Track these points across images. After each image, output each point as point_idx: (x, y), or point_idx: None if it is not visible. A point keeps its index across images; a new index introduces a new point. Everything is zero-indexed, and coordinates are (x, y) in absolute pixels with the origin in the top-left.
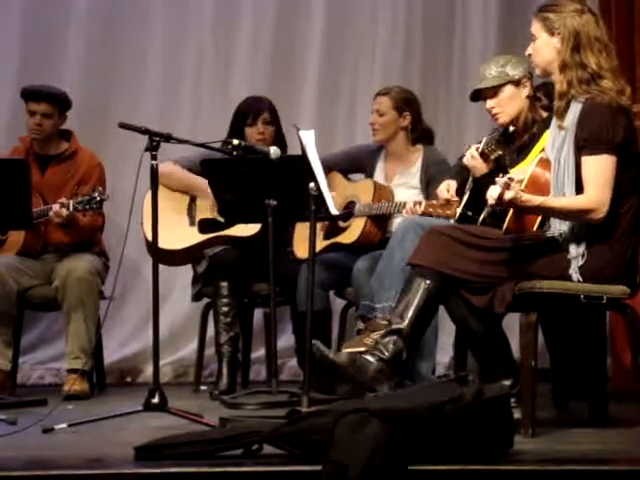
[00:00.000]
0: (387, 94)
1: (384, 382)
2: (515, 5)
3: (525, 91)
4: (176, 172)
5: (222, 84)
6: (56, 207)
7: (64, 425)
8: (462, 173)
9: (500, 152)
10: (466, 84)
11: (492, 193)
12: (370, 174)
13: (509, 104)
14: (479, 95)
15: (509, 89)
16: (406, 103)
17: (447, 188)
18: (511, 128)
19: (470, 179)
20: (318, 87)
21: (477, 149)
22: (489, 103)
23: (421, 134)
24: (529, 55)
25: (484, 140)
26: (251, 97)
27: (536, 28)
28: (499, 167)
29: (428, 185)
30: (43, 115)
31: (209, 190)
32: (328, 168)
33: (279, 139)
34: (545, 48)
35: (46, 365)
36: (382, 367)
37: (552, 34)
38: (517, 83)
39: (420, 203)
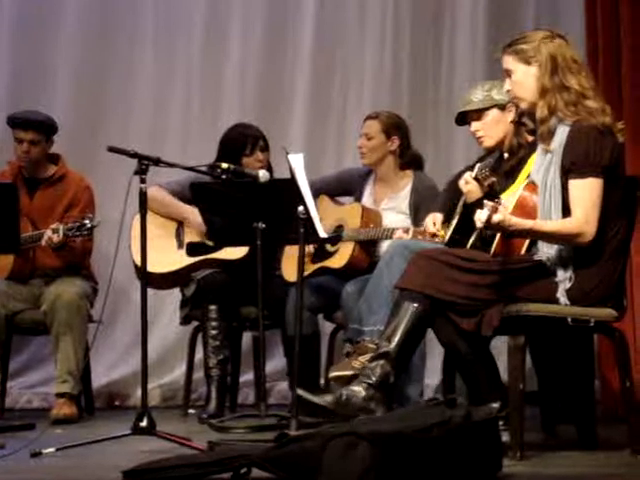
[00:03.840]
0: (376, 118)
1: (376, 407)
2: (502, 31)
3: (510, 116)
4: (161, 198)
5: (211, 108)
6: (49, 233)
7: (52, 449)
8: (451, 200)
9: (494, 179)
10: (454, 109)
11: (480, 216)
12: (359, 198)
13: (494, 128)
14: (465, 119)
15: (494, 113)
16: (395, 127)
17: (433, 221)
18: (505, 155)
19: (460, 203)
20: (307, 111)
21: (471, 175)
22: (474, 126)
23: (410, 159)
24: (508, 91)
25: (477, 166)
26: (239, 125)
27: (510, 62)
28: (492, 192)
29: (417, 211)
30: (30, 143)
31: (192, 219)
32: (318, 191)
33: (267, 163)
34: (526, 79)
35: (34, 389)
36: (372, 394)
37: (529, 63)
38: (502, 108)
39: (408, 231)
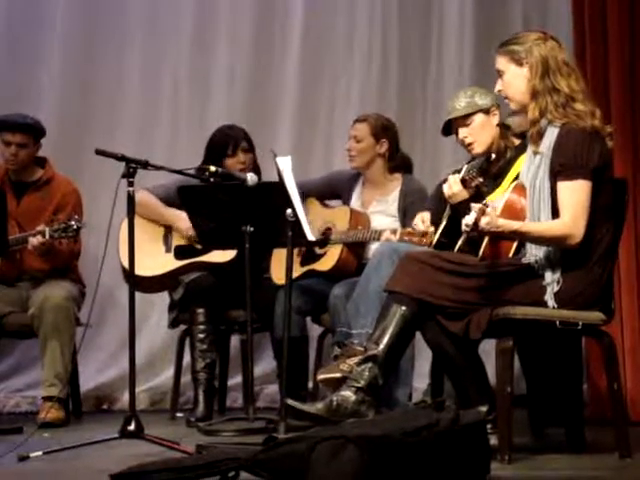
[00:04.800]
0: (365, 121)
1: (367, 410)
2: (491, 34)
3: (495, 119)
4: (149, 203)
5: (199, 111)
6: (33, 241)
7: (40, 453)
8: (440, 201)
9: (481, 179)
10: (441, 113)
11: (467, 220)
12: (347, 200)
13: (482, 133)
14: (450, 128)
15: (480, 118)
16: (383, 130)
17: (422, 220)
18: (493, 156)
19: (448, 206)
20: (294, 113)
21: (458, 177)
22: (462, 133)
23: (399, 162)
24: (499, 91)
25: (465, 167)
26: (224, 126)
27: (502, 63)
28: (478, 194)
29: (405, 214)
30: (18, 145)
31: (179, 224)
32: (306, 193)
33: (254, 165)
34: (516, 80)
35: (22, 393)
36: (362, 397)
37: (520, 65)
38: (487, 112)
39: (395, 232)
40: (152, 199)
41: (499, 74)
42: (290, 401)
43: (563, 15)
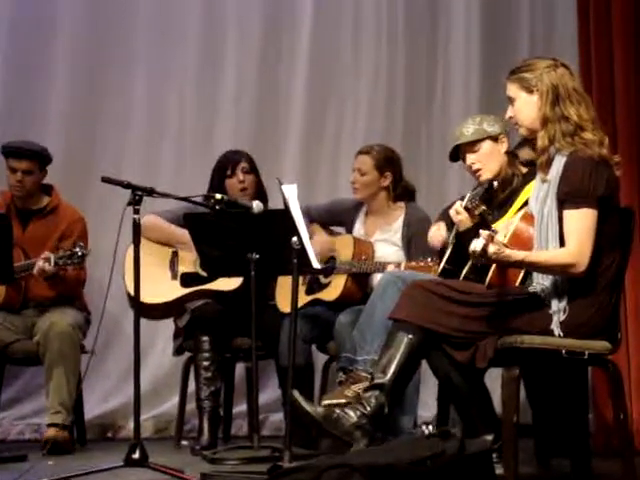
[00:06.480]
0: (368, 153)
1: (361, 437)
2: (497, 61)
3: (503, 147)
4: (158, 224)
5: (205, 137)
6: (40, 264)
7: None
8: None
9: (484, 207)
10: (448, 140)
11: (476, 247)
12: (350, 229)
13: (490, 160)
14: (457, 154)
15: (488, 144)
16: (387, 162)
17: (438, 228)
18: (495, 183)
19: (453, 233)
20: (301, 140)
21: (461, 205)
22: (470, 159)
23: (402, 191)
24: (510, 118)
25: (467, 196)
26: (229, 151)
27: (513, 90)
28: (483, 222)
29: (409, 243)
30: (24, 172)
31: (191, 242)
32: (310, 218)
33: (260, 190)
34: (526, 107)
35: (26, 420)
36: (361, 423)
37: (531, 92)
38: (495, 139)
39: (399, 266)
40: (160, 221)
41: (510, 101)
42: (296, 394)
43: (569, 37)
